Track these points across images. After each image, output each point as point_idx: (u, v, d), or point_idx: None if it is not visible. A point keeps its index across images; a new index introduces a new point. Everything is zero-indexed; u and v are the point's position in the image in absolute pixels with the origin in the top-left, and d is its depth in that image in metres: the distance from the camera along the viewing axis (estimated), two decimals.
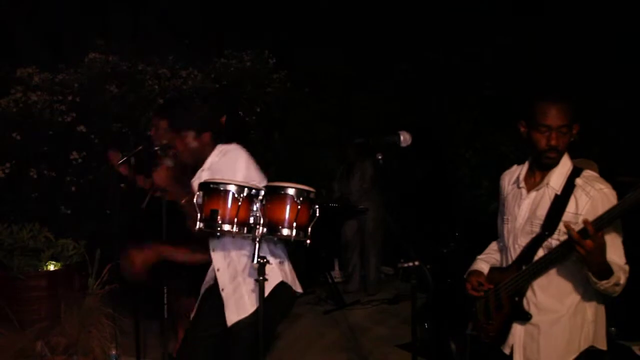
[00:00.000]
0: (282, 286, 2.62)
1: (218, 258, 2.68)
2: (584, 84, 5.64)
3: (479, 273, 2.37)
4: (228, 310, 2.64)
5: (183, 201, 2.64)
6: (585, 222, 1.88)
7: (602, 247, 1.90)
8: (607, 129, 5.57)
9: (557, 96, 2.13)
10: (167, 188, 2.75)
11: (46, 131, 5.37)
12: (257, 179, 2.55)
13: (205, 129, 2.69)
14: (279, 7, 7.61)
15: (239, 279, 2.64)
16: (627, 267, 2.03)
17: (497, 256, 2.43)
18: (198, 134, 2.68)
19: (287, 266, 2.70)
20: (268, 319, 2.48)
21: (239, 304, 2.63)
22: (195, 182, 2.65)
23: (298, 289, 2.72)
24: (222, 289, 2.67)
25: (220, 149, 2.72)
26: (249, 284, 2.61)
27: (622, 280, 2.00)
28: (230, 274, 2.67)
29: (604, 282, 1.95)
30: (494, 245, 2.50)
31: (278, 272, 2.62)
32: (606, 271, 1.95)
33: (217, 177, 2.44)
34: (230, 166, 2.56)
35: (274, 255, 2.63)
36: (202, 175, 2.69)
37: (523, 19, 6.49)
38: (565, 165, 2.17)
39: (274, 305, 2.55)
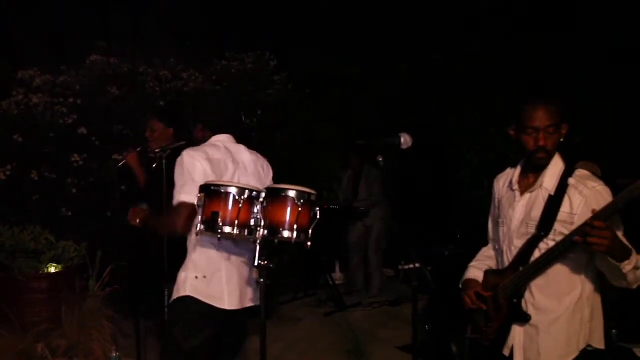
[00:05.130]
0: (186, 300, 2.52)
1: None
2: (588, 85, 5.64)
3: (474, 283, 2.36)
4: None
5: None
6: (591, 218, 1.88)
7: (614, 231, 1.91)
8: (613, 131, 5.56)
9: (542, 98, 2.15)
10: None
11: (47, 133, 5.37)
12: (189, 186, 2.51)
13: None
14: (280, 8, 7.62)
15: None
16: (639, 257, 2.02)
17: (490, 262, 2.41)
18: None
19: (212, 282, 2.54)
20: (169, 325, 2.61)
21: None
22: None
23: (224, 305, 2.53)
24: None
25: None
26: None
27: None
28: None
29: (625, 262, 1.94)
30: (485, 252, 2.49)
31: (187, 286, 2.54)
32: (625, 250, 1.95)
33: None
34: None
35: (195, 268, 2.56)
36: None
37: (524, 19, 6.48)
38: (557, 166, 2.17)
39: (174, 316, 2.60)
